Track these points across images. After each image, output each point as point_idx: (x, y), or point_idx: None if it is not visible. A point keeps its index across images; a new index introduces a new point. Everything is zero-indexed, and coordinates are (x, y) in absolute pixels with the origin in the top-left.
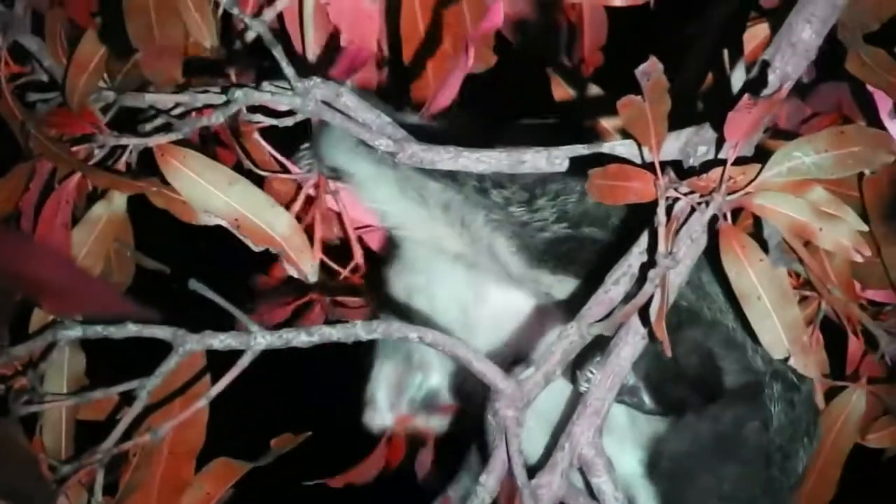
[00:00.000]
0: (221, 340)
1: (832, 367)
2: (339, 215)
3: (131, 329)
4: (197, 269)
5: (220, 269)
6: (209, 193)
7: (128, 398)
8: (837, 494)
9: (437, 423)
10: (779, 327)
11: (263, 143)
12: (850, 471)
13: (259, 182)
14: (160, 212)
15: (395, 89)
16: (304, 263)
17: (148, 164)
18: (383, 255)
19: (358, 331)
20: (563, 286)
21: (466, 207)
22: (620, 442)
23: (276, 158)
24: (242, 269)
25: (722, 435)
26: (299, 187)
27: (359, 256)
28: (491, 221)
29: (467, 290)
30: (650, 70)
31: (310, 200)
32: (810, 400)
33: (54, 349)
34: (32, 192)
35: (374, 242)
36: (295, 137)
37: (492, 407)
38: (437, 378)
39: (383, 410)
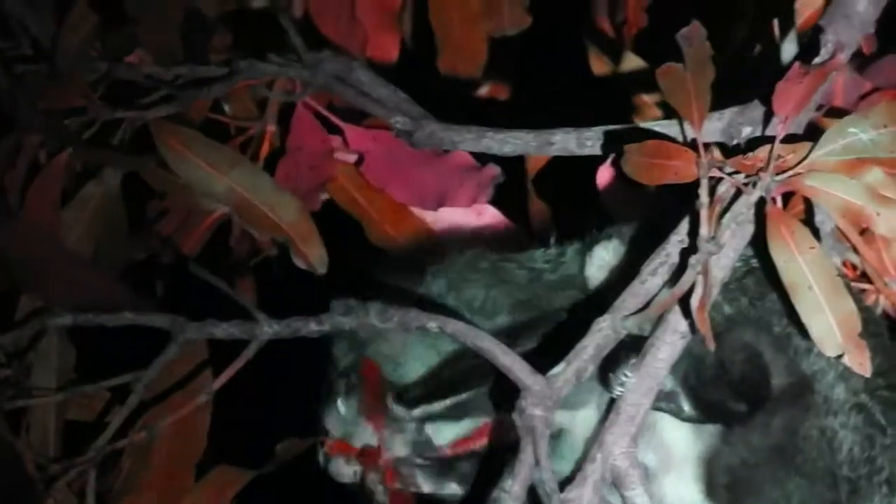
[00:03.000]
0: (225, 329)
1: None
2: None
3: (127, 317)
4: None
5: (222, 252)
6: (210, 176)
7: (121, 396)
8: None
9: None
10: (832, 321)
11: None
12: None
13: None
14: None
15: (417, 53)
16: (312, 253)
17: (143, 144)
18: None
19: (372, 319)
20: None
21: None
22: (680, 466)
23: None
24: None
25: (778, 446)
26: None
27: None
28: None
29: None
30: (693, 35)
31: None
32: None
33: (42, 339)
34: (19, 167)
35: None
36: None
37: (519, 406)
38: None
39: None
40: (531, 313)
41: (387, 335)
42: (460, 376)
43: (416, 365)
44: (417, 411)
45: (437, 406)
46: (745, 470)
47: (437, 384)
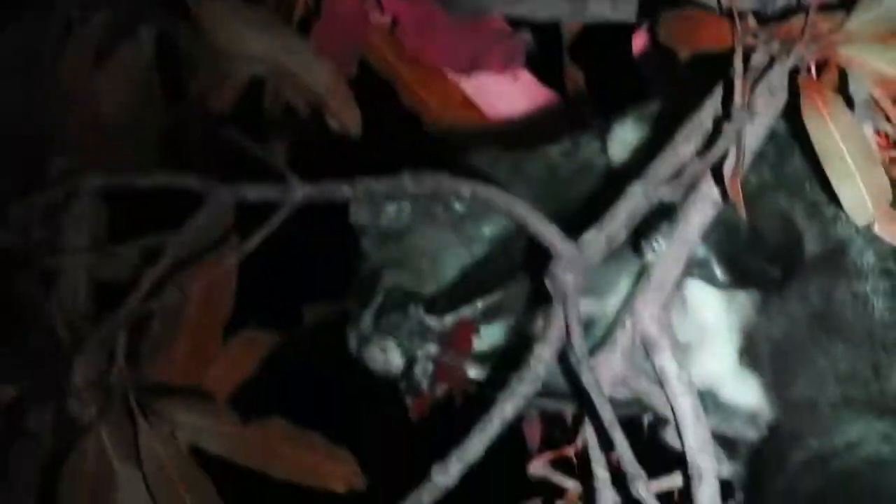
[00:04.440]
0: (257, 191)
1: None
2: None
3: (159, 179)
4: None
5: (254, 119)
6: (245, 38)
7: (152, 259)
8: None
9: None
10: (862, 190)
11: None
12: None
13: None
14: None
15: None
16: (347, 116)
17: (177, 8)
18: None
19: (405, 183)
20: None
21: None
22: (714, 340)
23: None
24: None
25: (816, 312)
26: None
27: None
28: None
29: None
30: None
31: None
32: None
33: (75, 200)
34: (52, 27)
35: None
36: None
37: (550, 271)
38: None
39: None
40: (551, 206)
41: (421, 229)
42: (489, 278)
43: (451, 260)
44: (449, 318)
45: (468, 311)
46: (788, 339)
47: (465, 289)
